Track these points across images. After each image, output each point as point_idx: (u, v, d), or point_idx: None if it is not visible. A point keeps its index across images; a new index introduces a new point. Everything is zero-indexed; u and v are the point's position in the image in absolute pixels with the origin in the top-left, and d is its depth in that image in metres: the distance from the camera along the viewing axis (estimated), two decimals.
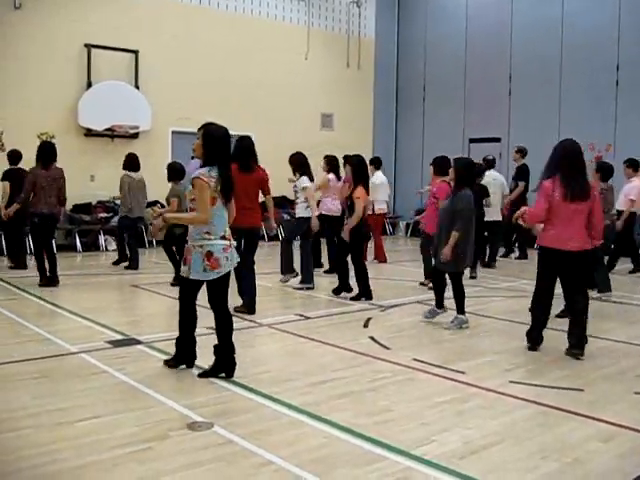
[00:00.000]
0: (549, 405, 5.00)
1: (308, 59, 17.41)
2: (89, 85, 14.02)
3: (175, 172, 9.67)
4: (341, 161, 10.60)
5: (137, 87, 14.59)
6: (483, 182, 11.15)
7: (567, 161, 6.25)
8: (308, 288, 9.59)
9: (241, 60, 16.11)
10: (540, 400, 5.11)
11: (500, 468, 3.91)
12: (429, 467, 3.89)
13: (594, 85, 15.11)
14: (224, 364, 5.44)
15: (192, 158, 10.02)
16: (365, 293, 8.97)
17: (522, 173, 13.30)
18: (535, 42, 16.15)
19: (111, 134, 14.27)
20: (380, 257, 12.82)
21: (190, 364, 5.65)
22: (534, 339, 6.58)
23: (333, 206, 10.78)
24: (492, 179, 12.04)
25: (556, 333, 6.99)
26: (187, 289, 5.50)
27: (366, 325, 7.57)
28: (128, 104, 14.18)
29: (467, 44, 17.63)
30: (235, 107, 15.47)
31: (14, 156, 11.07)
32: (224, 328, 5.45)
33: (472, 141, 17.48)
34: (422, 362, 6.05)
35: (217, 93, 15.42)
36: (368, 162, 10.10)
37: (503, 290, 10.06)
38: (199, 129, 5.37)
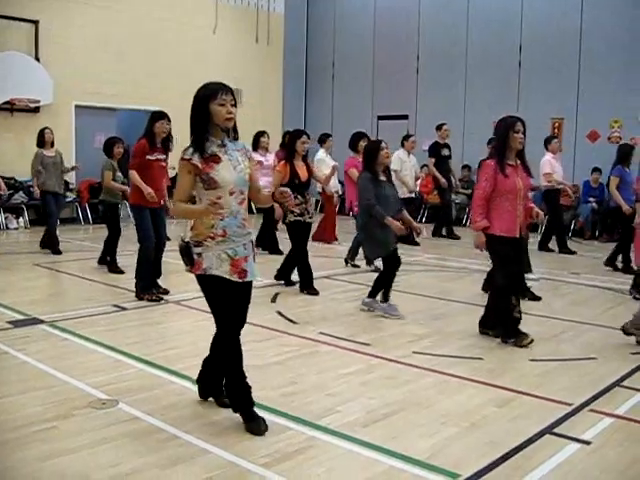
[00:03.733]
0: (450, 374, 5.19)
1: (216, 33, 17.18)
2: None
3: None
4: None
5: (37, 59, 14.06)
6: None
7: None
8: None
9: (148, 33, 15.73)
10: (441, 369, 5.29)
11: (401, 434, 4.04)
12: (333, 436, 3.99)
13: (499, 64, 15.53)
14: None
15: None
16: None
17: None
18: (443, 21, 16.45)
19: (10, 107, 13.73)
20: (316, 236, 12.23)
21: None
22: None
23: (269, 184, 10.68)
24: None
25: (457, 305, 7.23)
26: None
27: (274, 300, 7.62)
28: (28, 77, 13.62)
29: (376, 22, 17.77)
30: (142, 81, 15.16)
31: None
32: None
33: (380, 118, 17.69)
34: (328, 335, 6.16)
35: (123, 67, 15.04)
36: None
37: (417, 265, 10.29)
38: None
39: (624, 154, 10.08)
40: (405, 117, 17.13)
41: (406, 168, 12.08)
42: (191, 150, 3.99)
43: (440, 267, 10.13)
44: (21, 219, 13.73)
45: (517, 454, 3.81)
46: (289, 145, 8.28)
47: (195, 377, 4.57)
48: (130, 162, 7.63)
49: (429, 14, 16.75)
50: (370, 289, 7.25)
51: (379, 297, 7.15)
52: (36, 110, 14.07)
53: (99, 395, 4.53)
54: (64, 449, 3.73)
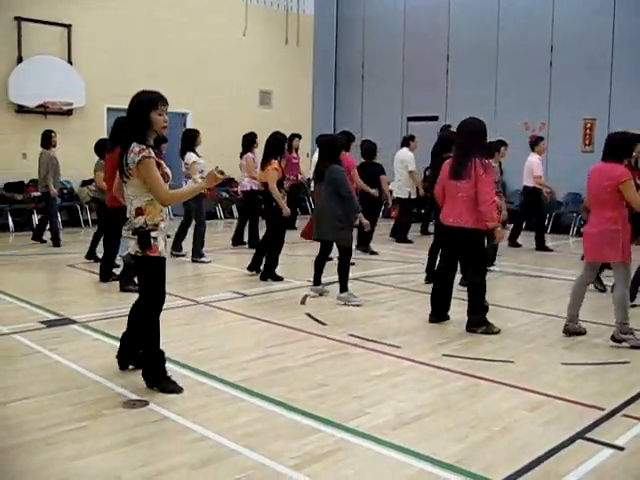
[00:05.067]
0: (480, 377, 5.15)
1: (246, 35, 17.23)
2: (20, 60, 13.61)
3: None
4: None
5: (70, 62, 14.23)
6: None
7: (456, 141, 6.68)
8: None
9: (178, 35, 15.83)
10: (471, 372, 5.25)
11: (431, 438, 4.01)
12: (362, 438, 3.97)
13: (529, 65, 15.38)
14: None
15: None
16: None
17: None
18: (473, 21, 16.33)
19: (44, 111, 13.91)
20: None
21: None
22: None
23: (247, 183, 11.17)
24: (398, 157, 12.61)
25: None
26: None
27: (303, 302, 7.62)
28: (61, 80, 13.80)
29: (406, 22, 17.70)
30: (172, 84, 15.23)
31: None
32: None
33: (410, 119, 17.62)
34: (357, 337, 6.14)
35: (153, 69, 15.15)
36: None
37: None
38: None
39: None
40: (435, 118, 17.03)
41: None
42: (149, 150, 4.54)
43: None
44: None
45: (549, 459, 3.76)
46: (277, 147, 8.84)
47: (226, 378, 4.62)
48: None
49: (459, 14, 16.65)
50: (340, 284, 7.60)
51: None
52: (69, 113, 14.23)
53: (130, 395, 4.57)
54: (94, 449, 3.76)
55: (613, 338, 6.07)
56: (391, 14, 17.98)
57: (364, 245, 11.22)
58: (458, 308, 6.84)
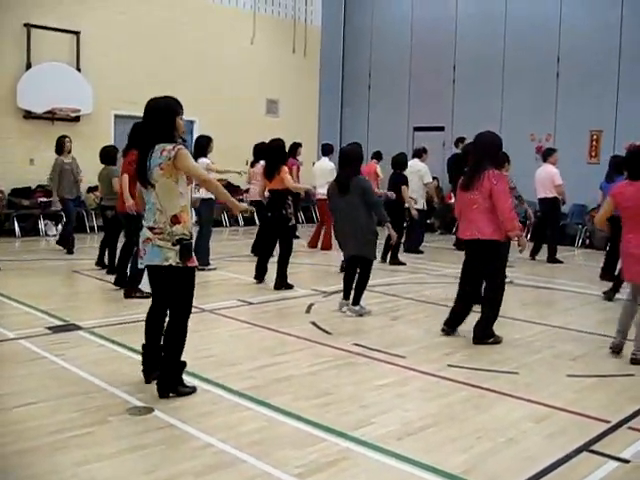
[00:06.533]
0: (485, 388, 5.14)
1: (254, 44, 17.32)
2: (29, 66, 13.69)
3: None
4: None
5: (79, 69, 14.30)
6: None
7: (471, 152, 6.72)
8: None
9: (186, 43, 15.91)
10: (477, 383, 5.24)
11: (436, 448, 4.01)
12: (367, 448, 3.97)
13: (535, 76, 15.40)
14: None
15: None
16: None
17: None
18: (479, 32, 16.37)
19: (52, 117, 13.98)
20: (319, 244, 12.80)
21: None
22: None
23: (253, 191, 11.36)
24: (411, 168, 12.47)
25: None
26: None
27: (308, 311, 7.62)
28: (69, 86, 13.86)
29: (413, 33, 17.76)
30: (180, 91, 15.23)
31: None
32: None
33: (416, 129, 17.65)
34: (363, 347, 6.14)
35: (161, 77, 15.19)
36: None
37: (442, 277, 10.23)
38: None
39: None
40: (441, 129, 17.06)
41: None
42: (182, 145, 4.62)
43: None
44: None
45: (554, 471, 3.76)
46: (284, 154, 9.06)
47: (232, 386, 4.62)
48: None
49: (466, 25, 16.68)
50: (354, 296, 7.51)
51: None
52: (76, 119, 14.30)
53: (135, 402, 4.58)
54: (100, 455, 3.77)
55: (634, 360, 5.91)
56: (398, 25, 18.04)
57: (393, 257, 11.28)
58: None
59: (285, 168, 8.72)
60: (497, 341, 6.45)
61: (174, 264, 4.53)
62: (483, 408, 4.74)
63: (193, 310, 7.07)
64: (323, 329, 6.78)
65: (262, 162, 11.05)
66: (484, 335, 6.44)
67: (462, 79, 16.81)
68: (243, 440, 4.01)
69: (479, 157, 6.44)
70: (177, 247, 4.50)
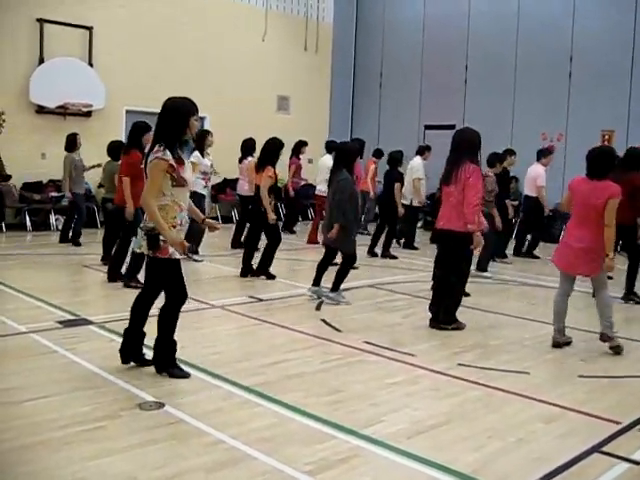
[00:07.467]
0: (496, 387, 5.13)
1: (265, 41, 17.31)
2: (41, 61, 13.73)
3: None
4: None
5: (91, 64, 14.33)
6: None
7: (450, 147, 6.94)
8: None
9: (198, 39, 15.90)
10: (487, 382, 5.23)
11: (446, 447, 4.00)
12: (377, 446, 3.97)
13: (548, 75, 15.33)
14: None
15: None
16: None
17: None
18: (492, 31, 16.30)
19: (64, 112, 14.01)
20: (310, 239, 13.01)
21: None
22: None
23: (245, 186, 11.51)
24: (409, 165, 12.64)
25: (504, 318, 7.15)
26: None
27: (318, 308, 7.62)
28: (81, 81, 13.89)
29: (425, 31, 17.71)
30: (191, 88, 15.29)
31: None
32: None
33: (427, 127, 17.61)
34: (373, 344, 6.14)
35: (172, 73, 15.21)
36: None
37: None
38: None
39: None
40: (452, 127, 16.92)
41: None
42: (167, 152, 4.72)
43: (477, 281, 10.01)
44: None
45: (564, 472, 3.74)
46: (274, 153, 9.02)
47: (242, 382, 4.64)
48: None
49: (478, 24, 16.62)
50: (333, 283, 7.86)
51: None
52: (88, 114, 14.33)
53: (146, 397, 4.58)
54: (110, 449, 3.78)
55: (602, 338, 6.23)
56: (410, 22, 18.00)
57: (385, 250, 11.55)
58: (472, 317, 6.82)
59: (270, 168, 8.82)
60: (459, 327, 6.74)
61: (145, 252, 4.89)
62: (493, 407, 4.73)
63: (203, 306, 7.10)
64: (333, 326, 6.78)
65: (250, 158, 11.18)
66: (445, 320, 6.76)
67: (474, 77, 16.75)
68: (253, 436, 4.01)
69: (459, 152, 6.72)
70: (146, 237, 4.80)
